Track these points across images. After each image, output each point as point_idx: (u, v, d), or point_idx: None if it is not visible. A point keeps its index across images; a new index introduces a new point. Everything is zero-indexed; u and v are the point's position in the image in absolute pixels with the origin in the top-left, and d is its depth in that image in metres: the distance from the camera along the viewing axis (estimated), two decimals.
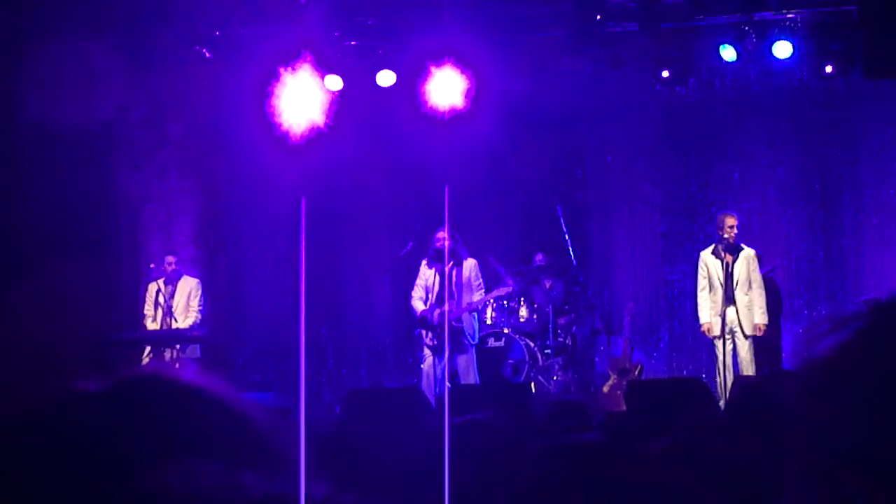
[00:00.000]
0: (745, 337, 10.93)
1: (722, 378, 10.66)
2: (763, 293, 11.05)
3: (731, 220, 11.07)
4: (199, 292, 11.94)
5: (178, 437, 1.01)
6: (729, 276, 10.95)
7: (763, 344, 11.19)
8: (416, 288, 11.47)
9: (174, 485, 0.94)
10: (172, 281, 11.80)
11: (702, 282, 11.14)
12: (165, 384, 1.07)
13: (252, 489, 0.95)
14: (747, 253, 11.07)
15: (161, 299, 11.70)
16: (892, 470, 1.00)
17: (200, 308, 11.90)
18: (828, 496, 1.04)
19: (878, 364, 1.05)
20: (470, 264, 11.34)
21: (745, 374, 10.60)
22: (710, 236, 11.88)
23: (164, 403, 1.05)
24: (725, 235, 10.99)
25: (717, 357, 11.02)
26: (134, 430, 1.01)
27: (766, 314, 10.97)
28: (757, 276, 11.05)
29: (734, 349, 10.91)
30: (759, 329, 10.93)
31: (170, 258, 11.96)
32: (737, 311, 10.93)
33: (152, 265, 11.87)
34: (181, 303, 11.76)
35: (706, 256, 11.14)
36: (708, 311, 11.04)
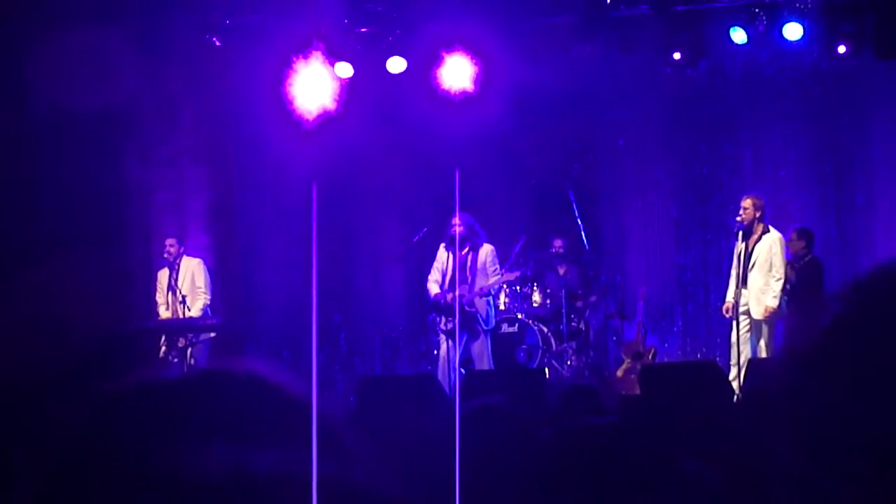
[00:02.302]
0: (755, 320, 10.85)
1: (735, 360, 10.64)
2: (781, 279, 10.83)
3: (743, 202, 11.00)
4: (203, 271, 11.82)
5: (251, 426, 1.02)
6: (747, 258, 10.86)
7: (800, 326, 11.00)
8: (432, 271, 11.48)
9: (246, 471, 0.95)
10: (176, 265, 11.76)
11: (734, 262, 11.05)
12: (237, 376, 1.08)
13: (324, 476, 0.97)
14: (772, 236, 10.90)
15: (171, 282, 11.71)
16: (890, 453, 1.01)
17: (208, 288, 11.83)
18: (829, 476, 1.05)
19: (860, 345, 1.06)
20: (486, 250, 11.33)
21: (759, 357, 10.58)
22: (722, 219, 11.83)
23: (236, 395, 1.06)
24: (738, 218, 10.94)
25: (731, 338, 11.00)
26: (209, 420, 1.02)
27: (777, 298, 10.82)
28: (779, 261, 10.85)
29: (750, 332, 10.87)
30: (767, 311, 10.81)
31: (170, 240, 11.89)
32: (749, 293, 10.86)
33: (165, 255, 11.87)
34: (186, 284, 11.70)
35: (739, 238, 11.01)
36: (731, 291, 10.96)
